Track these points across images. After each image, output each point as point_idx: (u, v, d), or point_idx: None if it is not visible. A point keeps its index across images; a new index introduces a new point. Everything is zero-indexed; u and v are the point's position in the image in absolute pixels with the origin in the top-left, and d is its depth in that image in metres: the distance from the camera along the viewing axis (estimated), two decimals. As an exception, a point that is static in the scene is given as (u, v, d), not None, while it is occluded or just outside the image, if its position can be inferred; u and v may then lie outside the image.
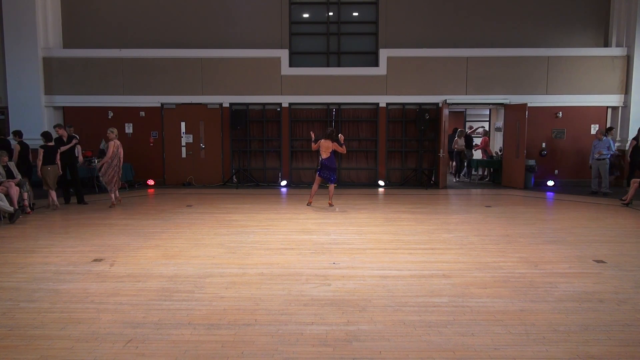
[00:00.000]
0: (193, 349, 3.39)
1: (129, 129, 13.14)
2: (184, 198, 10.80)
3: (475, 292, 4.52)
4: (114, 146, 9.30)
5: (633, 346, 3.47)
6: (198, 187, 12.81)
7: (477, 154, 15.30)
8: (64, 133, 9.80)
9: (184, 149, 13.30)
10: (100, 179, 9.65)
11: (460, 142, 14.23)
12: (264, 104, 13.18)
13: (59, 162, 9.37)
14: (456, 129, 15.15)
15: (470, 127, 16.23)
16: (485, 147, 14.71)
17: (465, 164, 14.66)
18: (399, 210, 9.24)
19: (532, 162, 12.62)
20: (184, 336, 3.59)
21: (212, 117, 13.17)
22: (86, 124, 12.63)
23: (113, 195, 9.50)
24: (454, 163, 14.80)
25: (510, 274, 5.08)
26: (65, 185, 9.91)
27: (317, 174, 9.51)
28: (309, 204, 9.57)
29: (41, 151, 9.21)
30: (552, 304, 4.24)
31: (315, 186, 9.57)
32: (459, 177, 14.59)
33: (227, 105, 13.09)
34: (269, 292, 4.53)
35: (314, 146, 9.48)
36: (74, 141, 9.82)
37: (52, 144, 9.33)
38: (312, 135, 9.72)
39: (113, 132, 9.44)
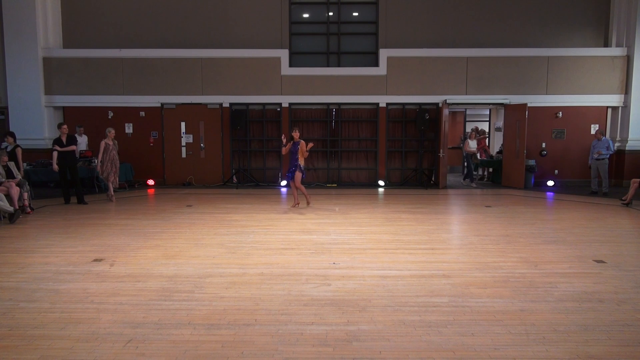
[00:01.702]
0: (193, 349, 3.39)
1: (129, 129, 13.14)
2: (184, 198, 10.80)
3: (475, 292, 4.52)
4: (103, 145, 10.09)
5: (633, 346, 3.47)
6: (198, 187, 12.82)
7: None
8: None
9: (184, 149, 13.30)
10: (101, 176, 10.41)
11: (472, 145, 13.31)
12: (264, 104, 13.19)
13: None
14: (471, 129, 14.59)
15: (474, 129, 16.07)
16: (484, 147, 14.68)
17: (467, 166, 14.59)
18: (399, 210, 9.24)
19: (532, 162, 12.62)
20: (184, 336, 3.59)
21: (212, 117, 13.17)
22: (86, 124, 12.60)
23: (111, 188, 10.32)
24: (467, 165, 13.75)
25: (510, 274, 5.08)
26: (65, 185, 9.91)
27: (301, 175, 9.27)
28: (308, 204, 9.55)
29: (20, 150, 9.36)
30: (552, 304, 4.24)
31: (302, 186, 9.42)
32: (472, 180, 13.36)
33: (227, 105, 13.09)
34: (269, 292, 4.53)
35: (301, 150, 9.14)
36: (72, 147, 9.81)
37: None
38: (284, 140, 9.34)
39: (108, 132, 10.21)
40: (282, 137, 9.47)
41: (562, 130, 13.03)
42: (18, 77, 12.70)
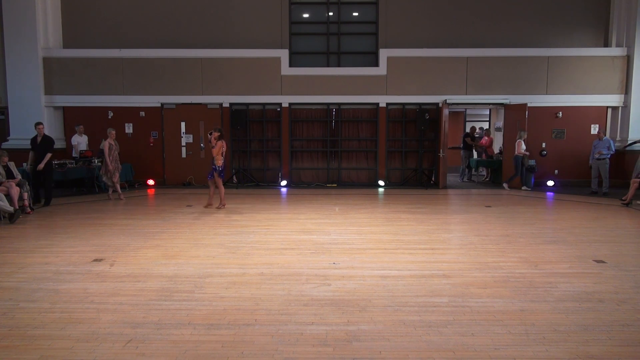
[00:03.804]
0: (193, 349, 3.39)
1: (129, 129, 13.15)
2: (184, 198, 10.81)
3: (475, 292, 4.52)
4: (107, 145, 10.21)
5: (633, 346, 3.46)
6: (198, 187, 12.81)
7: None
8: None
9: (184, 149, 13.31)
10: (104, 178, 10.43)
11: (523, 146, 12.11)
12: (264, 104, 13.19)
13: None
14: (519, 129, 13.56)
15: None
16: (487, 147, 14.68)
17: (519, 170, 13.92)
18: (399, 210, 9.24)
19: (532, 162, 12.61)
20: (184, 336, 3.59)
21: (212, 117, 13.17)
22: (86, 124, 12.61)
23: (111, 190, 10.43)
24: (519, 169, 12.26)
25: (510, 274, 5.08)
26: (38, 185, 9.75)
27: (218, 176, 9.21)
28: (207, 206, 9.33)
29: None
30: (552, 304, 4.24)
31: (212, 187, 9.41)
32: (528, 186, 12.20)
33: (227, 105, 13.09)
34: (269, 292, 4.53)
35: (215, 151, 9.05)
36: (48, 155, 9.42)
37: None
38: (212, 138, 9.16)
39: (110, 132, 10.37)
40: (209, 135, 9.28)
41: (562, 130, 13.03)
42: (18, 77, 12.70)
